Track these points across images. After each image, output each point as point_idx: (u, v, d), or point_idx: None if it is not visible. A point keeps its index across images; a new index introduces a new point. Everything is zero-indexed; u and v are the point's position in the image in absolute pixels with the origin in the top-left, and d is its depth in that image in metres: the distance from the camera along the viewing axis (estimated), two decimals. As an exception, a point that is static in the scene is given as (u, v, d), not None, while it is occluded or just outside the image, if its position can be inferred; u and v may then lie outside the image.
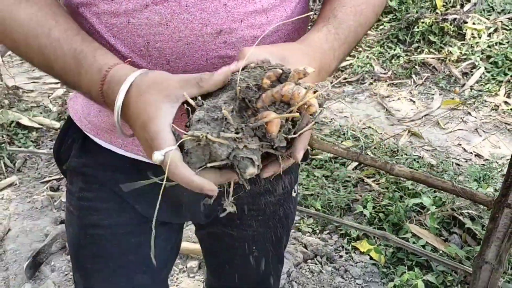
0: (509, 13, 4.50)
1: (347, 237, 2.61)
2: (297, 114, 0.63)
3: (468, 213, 2.59)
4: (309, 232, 2.67)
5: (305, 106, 0.63)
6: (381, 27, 4.59)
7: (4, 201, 2.94)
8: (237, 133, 0.64)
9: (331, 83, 0.68)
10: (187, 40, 0.80)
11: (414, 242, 2.41)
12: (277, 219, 1.18)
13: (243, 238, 1.17)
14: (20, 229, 2.73)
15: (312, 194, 2.86)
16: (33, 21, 0.77)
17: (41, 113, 3.71)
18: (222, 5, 0.79)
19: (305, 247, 2.56)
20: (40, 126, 3.55)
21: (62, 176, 3.14)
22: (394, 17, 4.58)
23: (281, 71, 0.65)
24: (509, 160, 1.63)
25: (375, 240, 2.54)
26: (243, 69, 0.69)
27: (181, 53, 0.80)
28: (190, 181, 0.65)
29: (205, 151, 0.65)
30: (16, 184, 3.08)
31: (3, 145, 3.28)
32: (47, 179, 3.12)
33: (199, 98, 0.68)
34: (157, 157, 0.63)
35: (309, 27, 0.92)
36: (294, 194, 1.22)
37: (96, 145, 0.99)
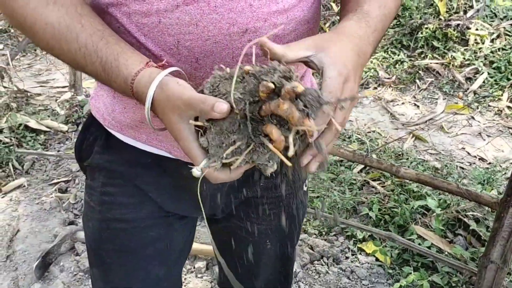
0: (511, 19, 4.54)
1: (353, 239, 2.64)
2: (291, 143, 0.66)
3: (472, 215, 2.62)
4: (315, 234, 2.70)
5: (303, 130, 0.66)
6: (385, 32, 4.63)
7: (12, 202, 2.98)
8: (248, 145, 0.69)
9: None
10: (215, 39, 0.83)
11: (419, 244, 2.43)
12: (290, 212, 1.21)
13: (258, 231, 1.20)
14: (29, 230, 2.76)
15: (318, 197, 2.89)
16: (62, 25, 0.79)
17: (48, 116, 3.75)
18: (248, 5, 0.82)
19: (312, 248, 2.58)
20: (48, 129, 3.58)
21: (70, 178, 3.19)
22: (398, 22, 4.63)
23: (272, 86, 0.64)
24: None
25: (381, 242, 2.57)
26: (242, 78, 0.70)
27: (209, 51, 0.84)
28: (232, 179, 0.75)
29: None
30: (24, 186, 3.11)
31: (11, 147, 3.32)
32: (55, 181, 3.15)
33: (204, 122, 0.72)
34: (196, 173, 0.73)
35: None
36: (305, 188, 1.26)
37: (118, 141, 1.02)
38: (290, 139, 0.66)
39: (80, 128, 3.57)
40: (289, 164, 0.67)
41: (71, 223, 2.80)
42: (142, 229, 1.09)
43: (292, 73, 0.66)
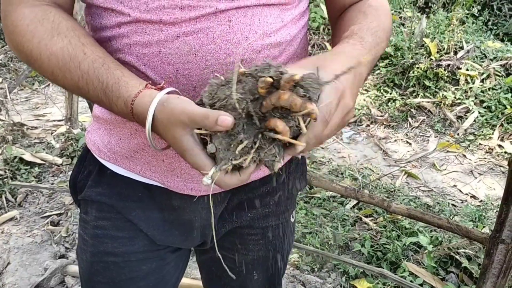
0: (501, 60, 4.65)
1: (345, 276, 2.63)
2: (304, 130, 0.69)
3: (464, 252, 2.62)
4: (307, 270, 2.69)
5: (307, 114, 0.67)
6: (378, 71, 4.73)
7: (4, 235, 2.96)
8: (254, 143, 0.70)
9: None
10: (213, 68, 0.86)
11: (411, 281, 2.43)
12: (277, 243, 1.22)
13: (244, 262, 1.21)
14: (19, 263, 2.74)
15: (310, 232, 2.89)
16: (66, 55, 0.82)
17: (44, 149, 3.76)
18: (243, 38, 0.87)
19: (304, 285, 2.57)
20: (42, 162, 3.59)
21: (63, 211, 3.17)
22: (390, 62, 4.72)
23: (271, 80, 0.66)
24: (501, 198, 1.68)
25: (373, 279, 2.56)
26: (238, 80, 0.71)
27: (206, 80, 0.86)
28: (240, 180, 0.74)
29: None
30: (16, 219, 3.09)
31: (5, 179, 3.31)
32: (47, 214, 3.13)
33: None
34: (207, 181, 0.72)
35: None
36: (292, 220, 1.27)
37: (112, 174, 1.04)
38: (302, 124, 0.68)
39: (74, 161, 3.58)
40: (303, 144, 0.69)
41: (62, 256, 2.78)
42: (134, 263, 1.10)
43: (284, 68, 0.68)
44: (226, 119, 0.68)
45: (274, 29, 0.90)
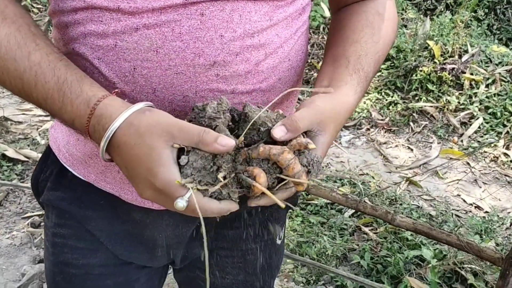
0: (506, 65, 4.51)
1: (342, 289, 2.47)
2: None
3: (470, 267, 2.47)
4: (302, 283, 2.53)
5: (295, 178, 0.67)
6: (379, 74, 4.58)
7: (-19, 236, 2.79)
8: (224, 178, 0.67)
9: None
10: (177, 70, 0.74)
11: (414, 298, 2.28)
12: (258, 267, 1.11)
13: (222, 285, 1.11)
14: (-5, 267, 2.57)
15: (307, 242, 2.73)
16: (12, 43, 0.71)
17: (28, 145, 3.59)
18: (218, 36, 0.74)
19: (298, 298, 2.41)
20: (26, 159, 3.42)
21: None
22: (392, 64, 4.57)
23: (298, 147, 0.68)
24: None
25: (373, 294, 2.40)
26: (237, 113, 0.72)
27: (169, 82, 0.75)
28: (220, 209, 0.68)
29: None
30: (-5, 219, 2.93)
31: (-15, 177, 3.15)
32: (28, 214, 2.97)
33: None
34: (181, 204, 0.64)
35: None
36: (278, 242, 1.13)
37: (73, 177, 0.93)
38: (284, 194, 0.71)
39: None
40: (282, 206, 0.67)
41: (41, 261, 2.62)
42: (97, 276, 1.00)
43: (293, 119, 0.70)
44: (229, 141, 0.64)
45: (259, 29, 0.77)
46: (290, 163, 0.65)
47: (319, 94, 0.78)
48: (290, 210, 2.56)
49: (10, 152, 3.38)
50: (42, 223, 2.90)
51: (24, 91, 0.73)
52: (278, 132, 0.68)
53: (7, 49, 0.71)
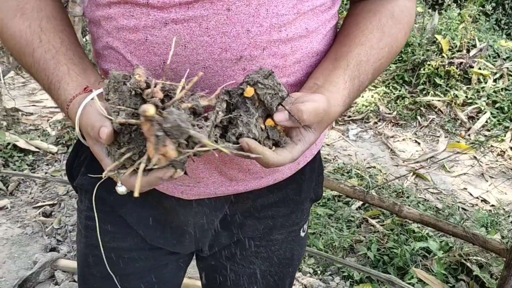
0: (514, 60, 4.51)
1: (349, 280, 2.50)
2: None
3: (476, 259, 2.49)
4: (309, 273, 2.56)
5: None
6: (387, 67, 4.59)
7: (-7, 224, 2.83)
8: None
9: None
10: (205, 64, 0.76)
11: (420, 288, 2.30)
12: (281, 258, 1.12)
13: (245, 274, 1.12)
14: (7, 255, 2.61)
15: (314, 233, 2.75)
16: (23, 38, 0.80)
17: (39, 136, 3.63)
18: (244, 31, 0.75)
19: (306, 288, 2.44)
20: (36, 150, 3.46)
21: (56, 202, 3.05)
22: (400, 58, 4.58)
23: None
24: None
25: (379, 284, 2.43)
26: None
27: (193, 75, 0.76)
28: (148, 181, 0.68)
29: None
30: (7, 208, 2.97)
31: (-3, 167, 3.19)
32: (39, 204, 3.01)
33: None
34: (121, 190, 0.73)
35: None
36: (302, 234, 1.15)
37: None
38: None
39: (70, 150, 3.46)
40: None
41: (53, 249, 2.66)
42: (128, 259, 1.03)
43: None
44: (103, 131, 0.66)
45: (286, 22, 0.77)
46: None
47: (318, 93, 0.76)
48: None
49: (21, 143, 3.42)
50: (54, 213, 2.94)
51: (36, 80, 0.83)
52: (280, 116, 0.69)
53: (19, 45, 0.80)
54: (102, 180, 0.72)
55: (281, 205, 1.04)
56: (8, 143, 3.36)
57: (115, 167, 0.69)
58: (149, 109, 0.59)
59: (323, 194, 3.08)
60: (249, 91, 0.68)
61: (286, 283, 1.18)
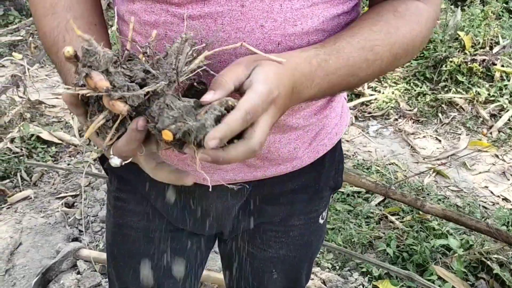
0: (538, 57, 4.43)
1: (368, 276, 2.50)
2: None
3: (496, 258, 2.47)
4: (328, 268, 2.57)
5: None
6: (408, 64, 4.54)
7: (17, 214, 2.89)
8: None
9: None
10: (220, 58, 0.78)
11: (440, 286, 2.29)
12: (300, 244, 1.15)
13: (264, 258, 1.16)
14: (31, 244, 2.67)
15: (333, 228, 2.76)
16: (51, 37, 0.84)
17: (61, 128, 3.69)
18: (258, 26, 0.76)
19: (324, 283, 2.45)
20: (59, 141, 3.52)
21: (78, 193, 3.09)
22: (422, 55, 4.53)
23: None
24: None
25: (398, 281, 2.42)
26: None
27: (213, 70, 0.76)
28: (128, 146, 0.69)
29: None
30: (30, 198, 3.03)
31: (21, 157, 3.25)
32: (62, 195, 3.06)
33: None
34: (115, 162, 0.71)
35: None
36: (321, 221, 1.17)
37: None
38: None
39: (92, 142, 3.50)
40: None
41: (75, 239, 2.71)
42: (152, 240, 1.08)
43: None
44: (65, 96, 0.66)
45: (301, 16, 0.77)
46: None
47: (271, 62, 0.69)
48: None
49: (45, 135, 3.48)
50: (76, 204, 2.99)
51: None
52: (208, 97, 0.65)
53: (48, 43, 0.85)
54: (109, 159, 0.72)
55: (300, 192, 1.07)
56: (32, 135, 3.43)
57: (89, 135, 0.67)
58: (67, 49, 0.61)
59: (343, 190, 3.08)
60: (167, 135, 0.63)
61: (303, 267, 1.21)
